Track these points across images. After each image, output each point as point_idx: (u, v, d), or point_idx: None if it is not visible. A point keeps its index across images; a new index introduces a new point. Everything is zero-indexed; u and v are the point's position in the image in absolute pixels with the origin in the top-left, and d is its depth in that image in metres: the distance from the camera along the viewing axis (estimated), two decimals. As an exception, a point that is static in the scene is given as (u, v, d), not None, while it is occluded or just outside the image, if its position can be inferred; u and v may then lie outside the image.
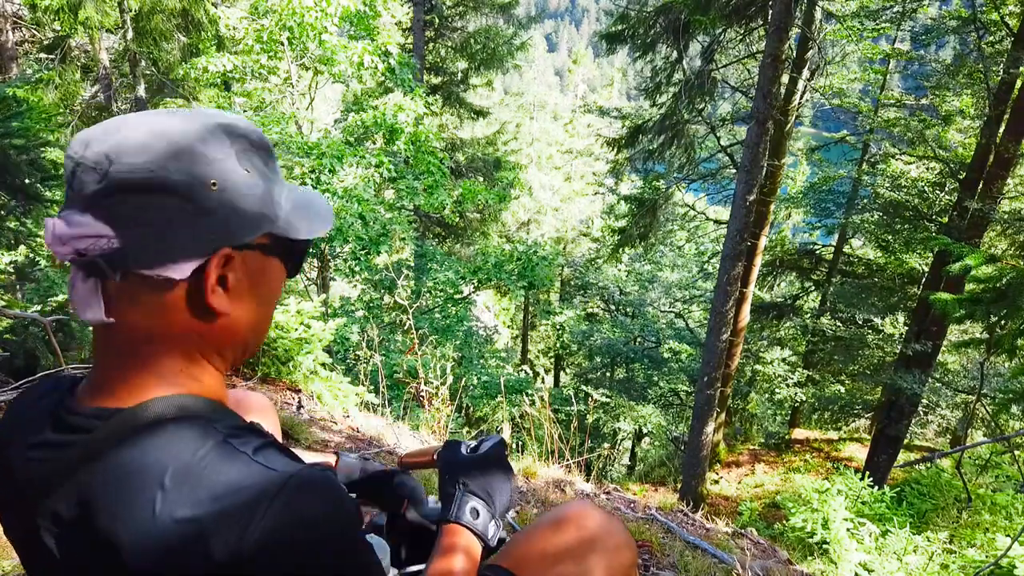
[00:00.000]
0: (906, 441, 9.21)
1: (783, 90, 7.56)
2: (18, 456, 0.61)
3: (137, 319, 0.59)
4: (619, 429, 11.20)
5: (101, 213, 0.55)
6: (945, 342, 8.43)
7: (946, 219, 7.94)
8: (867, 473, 5.49)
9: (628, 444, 13.39)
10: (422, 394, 2.99)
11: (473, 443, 0.97)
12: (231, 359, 0.68)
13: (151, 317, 0.59)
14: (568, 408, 9.26)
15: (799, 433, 11.15)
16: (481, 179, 13.30)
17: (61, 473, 0.57)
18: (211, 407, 0.63)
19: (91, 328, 0.63)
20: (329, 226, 0.70)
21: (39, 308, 3.90)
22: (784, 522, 4.62)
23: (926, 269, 9.04)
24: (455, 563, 0.81)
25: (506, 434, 3.50)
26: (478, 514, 0.85)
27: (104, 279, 0.57)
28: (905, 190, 8.89)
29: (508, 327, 21.75)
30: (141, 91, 10.50)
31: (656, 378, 12.56)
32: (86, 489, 0.56)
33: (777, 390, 10.59)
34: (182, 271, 0.58)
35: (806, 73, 7.89)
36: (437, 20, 12.19)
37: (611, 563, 1.00)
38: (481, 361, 9.69)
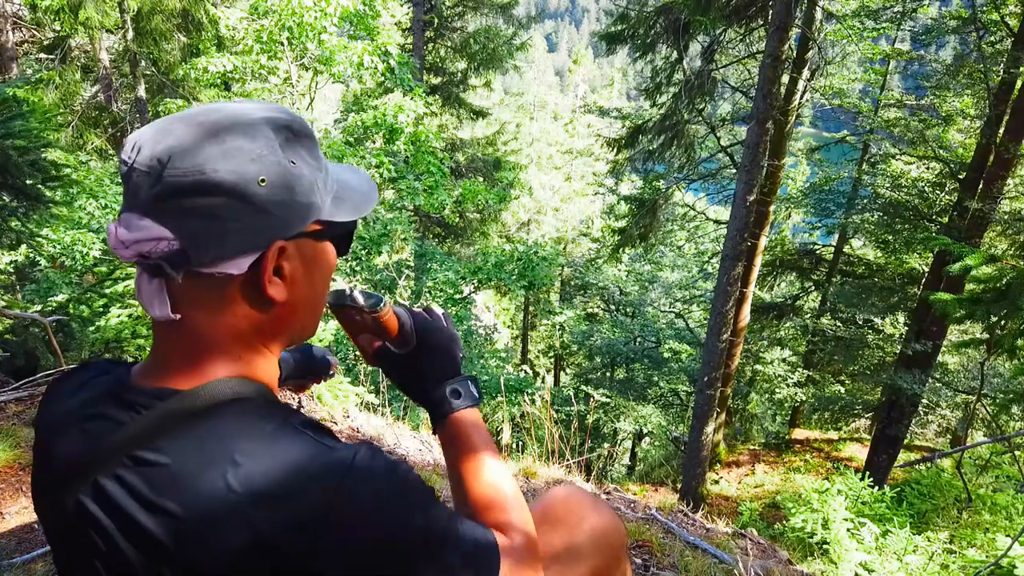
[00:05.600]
0: (906, 441, 9.21)
1: (783, 90, 7.56)
2: (67, 433, 0.63)
3: (200, 314, 0.62)
4: (619, 429, 11.21)
5: (159, 216, 0.58)
6: (945, 342, 8.43)
7: (946, 219, 7.94)
8: (867, 473, 5.48)
9: (628, 444, 13.40)
10: (422, 394, 2.99)
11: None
12: (289, 341, 0.71)
13: (213, 311, 0.62)
14: (568, 408, 9.26)
15: (799, 433, 11.15)
16: (481, 179, 13.29)
17: (118, 445, 0.58)
18: (266, 390, 0.66)
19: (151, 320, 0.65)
20: (373, 203, 0.74)
21: (39, 308, 3.90)
22: (784, 522, 4.62)
23: (926, 269, 9.04)
24: (485, 462, 0.81)
25: (506, 434, 3.50)
26: (459, 394, 0.86)
27: (168, 279, 0.60)
28: (905, 190, 8.89)
29: (508, 327, 21.76)
30: (141, 91, 10.49)
31: (656, 378, 12.55)
32: (146, 460, 0.57)
33: (777, 390, 10.59)
34: (239, 266, 0.61)
35: (806, 73, 7.89)
36: (437, 20, 12.20)
37: (600, 545, 1.04)
38: (481, 361, 9.68)
